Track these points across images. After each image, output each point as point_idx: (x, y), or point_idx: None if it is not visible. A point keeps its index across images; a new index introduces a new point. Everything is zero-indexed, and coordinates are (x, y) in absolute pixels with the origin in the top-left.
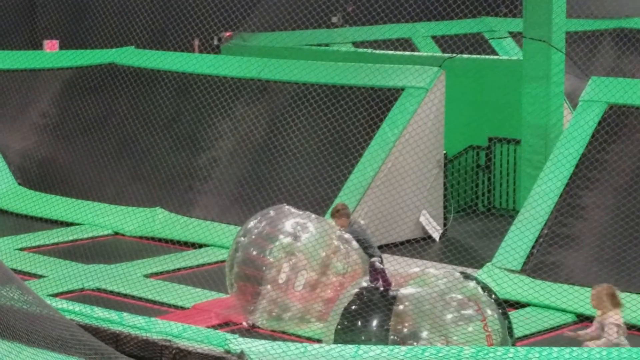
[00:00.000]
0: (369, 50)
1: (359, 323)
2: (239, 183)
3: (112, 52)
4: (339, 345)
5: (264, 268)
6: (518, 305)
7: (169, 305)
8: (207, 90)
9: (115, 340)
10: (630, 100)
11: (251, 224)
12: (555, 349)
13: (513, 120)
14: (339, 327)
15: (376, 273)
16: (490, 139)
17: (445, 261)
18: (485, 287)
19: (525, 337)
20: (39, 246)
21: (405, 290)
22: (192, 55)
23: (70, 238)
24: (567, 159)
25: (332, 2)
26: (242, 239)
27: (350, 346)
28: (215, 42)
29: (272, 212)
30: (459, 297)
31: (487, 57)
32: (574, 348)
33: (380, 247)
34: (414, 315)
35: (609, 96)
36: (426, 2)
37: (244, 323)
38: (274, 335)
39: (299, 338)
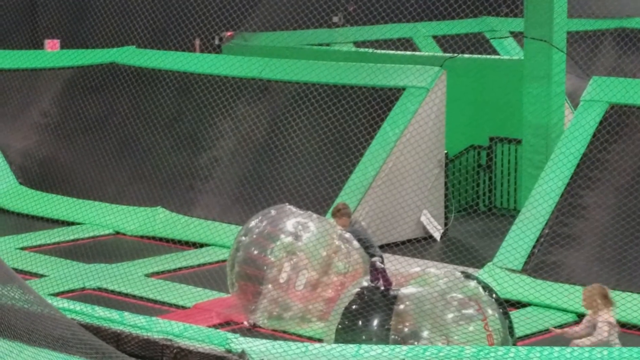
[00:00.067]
0: (370, 50)
1: (360, 322)
2: (240, 182)
3: (113, 52)
4: (340, 344)
5: (265, 267)
6: (519, 304)
7: (170, 305)
8: (208, 89)
9: (116, 339)
10: (632, 100)
11: (252, 223)
12: (556, 348)
13: (514, 120)
14: (339, 326)
15: (377, 272)
16: (491, 139)
17: (446, 261)
18: (486, 287)
19: (526, 336)
20: (40, 245)
21: (406, 290)
22: (193, 55)
23: (71, 237)
24: (568, 159)
25: (333, 1)
26: (243, 238)
27: (351, 346)
28: (217, 41)
29: (273, 212)
30: (460, 296)
31: (488, 56)
32: (575, 348)
33: (381, 247)
34: (415, 315)
35: (610, 96)
36: (427, 2)
37: (245, 322)
38: (275, 335)
39: (300, 337)
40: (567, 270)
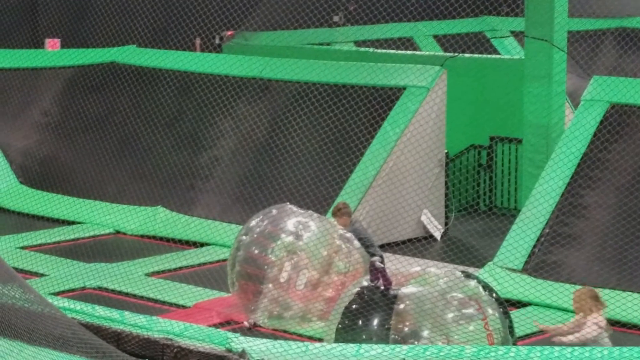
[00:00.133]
0: (371, 50)
1: (360, 322)
2: (240, 182)
3: (114, 51)
4: (340, 344)
5: (265, 267)
6: (519, 304)
7: (171, 304)
8: (208, 89)
9: (117, 338)
10: (632, 99)
11: (253, 222)
12: (557, 348)
13: (514, 119)
14: (340, 326)
15: (376, 272)
16: (491, 138)
17: (446, 260)
18: (486, 286)
19: (527, 336)
20: (40, 245)
21: (406, 289)
22: (193, 54)
23: (72, 237)
24: (569, 158)
25: (333, 1)
26: (244, 237)
27: (351, 345)
28: (217, 41)
29: (274, 211)
30: (460, 296)
31: (488, 56)
32: (575, 347)
33: (381, 246)
34: (415, 315)
35: (611, 95)
36: (428, 2)
37: (246, 322)
38: (275, 334)
39: (301, 337)
40: (568, 269)
